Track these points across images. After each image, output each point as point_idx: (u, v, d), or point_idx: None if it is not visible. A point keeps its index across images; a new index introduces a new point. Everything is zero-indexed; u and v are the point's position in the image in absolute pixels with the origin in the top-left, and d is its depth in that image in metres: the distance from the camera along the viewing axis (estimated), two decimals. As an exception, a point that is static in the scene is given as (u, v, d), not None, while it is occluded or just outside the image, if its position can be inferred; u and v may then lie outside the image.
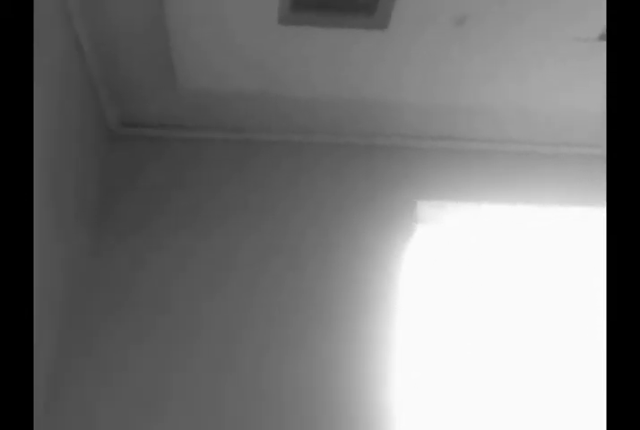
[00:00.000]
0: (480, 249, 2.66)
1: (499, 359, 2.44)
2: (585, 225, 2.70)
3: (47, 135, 2.03)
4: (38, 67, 1.91)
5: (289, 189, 2.64)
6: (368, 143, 2.74)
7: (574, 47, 2.31)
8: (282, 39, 2.31)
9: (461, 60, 2.38)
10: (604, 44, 2.29)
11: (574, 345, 2.47)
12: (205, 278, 2.45)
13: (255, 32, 2.29)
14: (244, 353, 2.33)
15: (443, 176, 2.71)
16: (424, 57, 2.37)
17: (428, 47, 2.33)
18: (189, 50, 2.37)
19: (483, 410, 2.36)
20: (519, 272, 2.61)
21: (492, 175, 2.72)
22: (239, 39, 2.32)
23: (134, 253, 2.48)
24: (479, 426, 2.33)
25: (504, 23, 2.22)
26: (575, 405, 2.37)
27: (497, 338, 2.48)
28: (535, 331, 2.50)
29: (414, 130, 2.73)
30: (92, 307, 2.38)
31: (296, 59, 2.39)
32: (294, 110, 2.64)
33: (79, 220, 2.37)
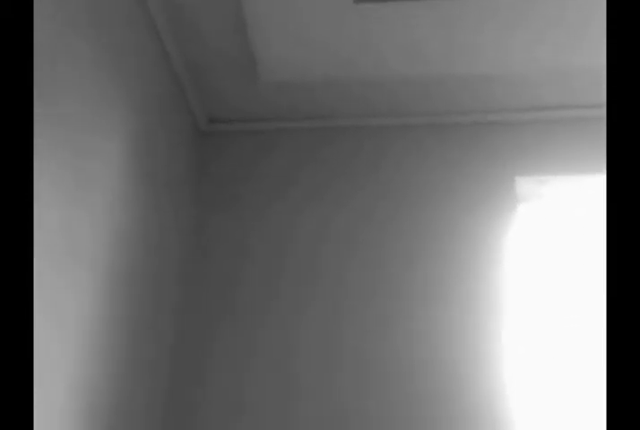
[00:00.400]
0: (586, 223, 2.51)
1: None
2: None
3: (144, 139, 2.06)
4: (129, 73, 1.95)
5: (375, 173, 2.59)
6: (457, 121, 2.64)
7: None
8: (359, 20, 2.25)
9: (541, 22, 2.24)
10: None
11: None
12: (295, 262, 2.45)
13: (331, 16, 2.24)
14: (347, 335, 2.32)
15: (541, 150, 2.57)
16: (501, 23, 2.25)
17: (506, 10, 2.21)
18: (268, 43, 2.35)
19: (592, 388, 2.24)
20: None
21: (593, 144, 2.56)
22: (316, 26, 2.28)
23: (229, 240, 2.51)
24: (590, 406, 2.22)
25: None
26: None
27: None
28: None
29: (502, 103, 2.61)
30: (203, 298, 2.43)
31: (374, 39, 2.33)
32: (376, 93, 2.58)
33: (178, 214, 2.41)
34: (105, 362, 1.80)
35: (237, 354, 2.34)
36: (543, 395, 2.26)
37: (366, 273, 2.43)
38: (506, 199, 2.50)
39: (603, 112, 2.58)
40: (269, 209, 2.57)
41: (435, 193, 2.53)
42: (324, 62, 2.43)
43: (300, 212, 2.55)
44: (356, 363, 2.30)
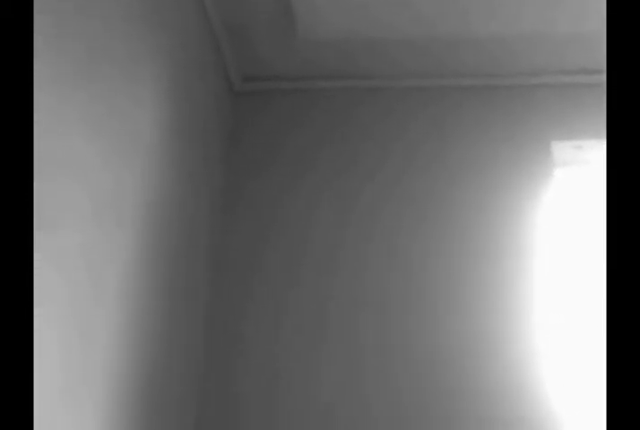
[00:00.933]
0: (624, 190, 2.46)
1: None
2: None
3: (177, 97, 2.06)
4: (165, 30, 1.94)
5: (410, 135, 2.56)
6: (494, 84, 2.60)
7: None
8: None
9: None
10: None
11: None
12: (326, 224, 2.44)
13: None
14: (369, 311, 2.31)
15: (579, 114, 2.52)
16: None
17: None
18: (308, 0, 2.32)
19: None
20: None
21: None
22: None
23: (260, 201, 2.51)
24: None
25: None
26: None
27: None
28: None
29: (542, 65, 2.56)
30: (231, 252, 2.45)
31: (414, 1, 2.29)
32: (413, 54, 2.54)
33: (211, 173, 2.42)
34: (143, 319, 1.82)
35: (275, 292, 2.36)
36: (576, 363, 2.24)
37: (394, 241, 2.41)
38: (542, 164, 2.45)
39: (645, 77, 2.51)
40: (299, 175, 2.56)
41: (468, 157, 2.50)
42: (363, 21, 2.40)
43: (333, 174, 2.54)
44: (381, 323, 2.29)
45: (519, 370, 2.17)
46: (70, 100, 1.42)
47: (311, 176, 2.54)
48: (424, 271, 2.33)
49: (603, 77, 2.54)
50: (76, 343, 1.47)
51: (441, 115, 2.59)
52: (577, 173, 2.54)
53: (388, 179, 2.50)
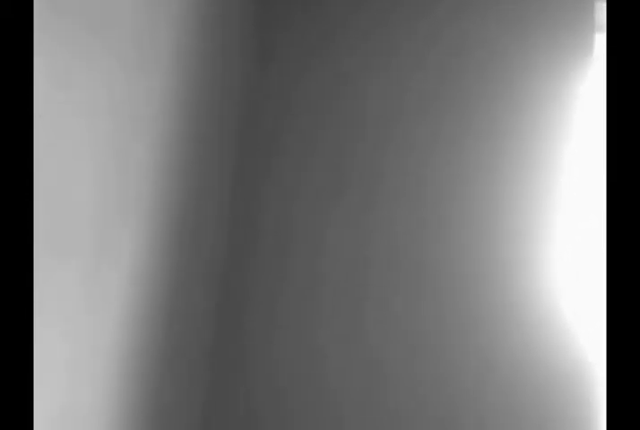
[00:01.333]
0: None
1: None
2: None
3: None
4: None
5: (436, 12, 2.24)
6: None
7: None
8: None
9: None
10: None
11: None
12: (350, 91, 2.23)
13: None
14: (383, 217, 2.09)
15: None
16: None
17: None
18: None
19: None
20: None
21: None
22: None
23: (290, 60, 2.29)
24: None
25: None
26: None
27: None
28: None
29: None
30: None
31: None
32: None
33: (237, 53, 2.20)
34: (171, 164, 1.65)
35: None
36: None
37: (421, 117, 2.16)
38: (584, 28, 2.16)
39: None
40: (327, 37, 2.29)
41: (504, 24, 2.19)
42: None
43: (360, 42, 2.26)
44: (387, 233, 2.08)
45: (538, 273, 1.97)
46: None
47: (339, 40, 2.28)
48: (450, 147, 2.10)
49: None
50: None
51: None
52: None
53: (419, 53, 2.21)
